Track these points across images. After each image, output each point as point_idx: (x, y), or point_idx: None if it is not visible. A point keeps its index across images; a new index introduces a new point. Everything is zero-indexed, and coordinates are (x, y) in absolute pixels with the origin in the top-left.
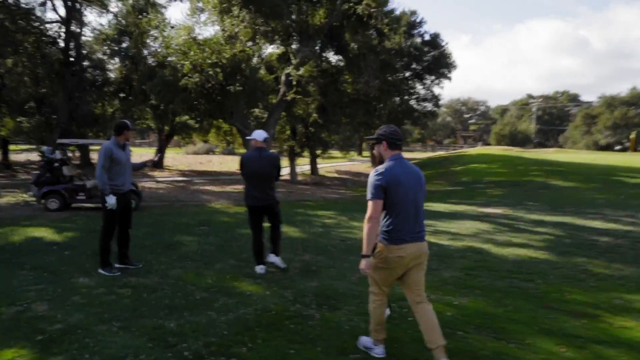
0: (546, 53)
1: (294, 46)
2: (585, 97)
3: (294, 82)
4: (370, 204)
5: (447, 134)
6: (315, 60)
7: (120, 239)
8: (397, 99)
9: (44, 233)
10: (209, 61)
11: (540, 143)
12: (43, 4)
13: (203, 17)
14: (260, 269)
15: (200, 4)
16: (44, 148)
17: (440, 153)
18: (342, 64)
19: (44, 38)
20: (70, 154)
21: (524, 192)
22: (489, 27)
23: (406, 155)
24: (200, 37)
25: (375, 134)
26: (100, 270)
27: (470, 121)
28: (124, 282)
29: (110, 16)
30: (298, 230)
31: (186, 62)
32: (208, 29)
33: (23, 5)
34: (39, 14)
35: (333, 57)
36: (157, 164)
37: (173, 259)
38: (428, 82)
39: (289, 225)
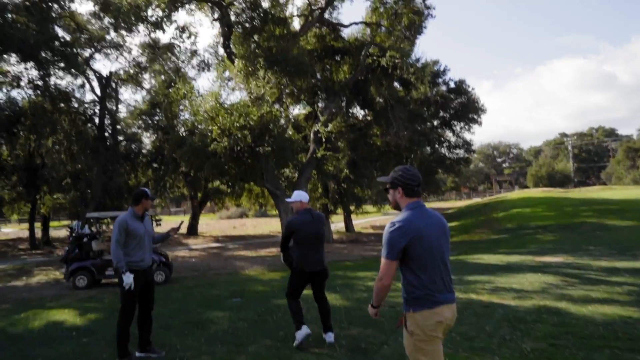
0: (573, 91)
1: (320, 104)
2: (622, 131)
3: (323, 139)
4: (383, 263)
5: (481, 179)
6: (343, 115)
7: (140, 322)
8: (428, 148)
9: (66, 316)
10: (237, 124)
11: (581, 182)
12: (82, 86)
13: (230, 83)
14: (301, 334)
15: (227, 73)
16: (74, 223)
17: (477, 200)
18: (369, 118)
19: (82, 117)
20: (104, 227)
21: (580, 236)
22: (509, 72)
23: (441, 205)
24: (227, 102)
25: (390, 177)
26: None
27: (503, 165)
28: None
29: (144, 92)
30: (340, 297)
31: (214, 127)
32: (235, 94)
33: (62, 89)
34: (77, 95)
35: (359, 112)
36: (191, 231)
37: (201, 342)
38: (457, 128)
39: (328, 291)
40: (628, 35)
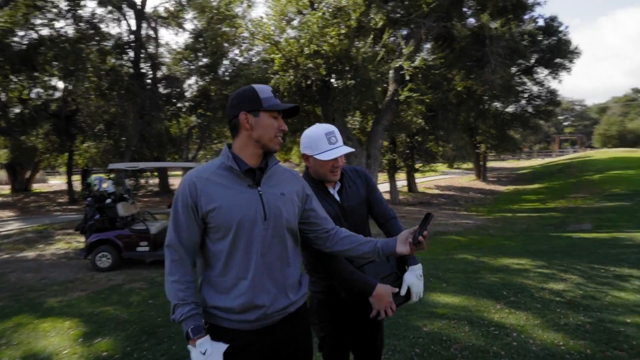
0: (638, 45)
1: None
2: None
3: (407, 78)
4: None
5: (540, 139)
6: (434, 47)
7: None
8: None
9: (61, 340)
10: (307, 51)
11: None
12: (117, 20)
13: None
14: None
15: None
16: (92, 178)
17: (547, 160)
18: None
19: (113, 51)
20: (143, 181)
21: None
22: (567, 23)
23: (506, 165)
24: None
25: None
26: None
27: (564, 123)
28: None
29: (186, 35)
30: (526, 316)
31: (277, 56)
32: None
33: (91, 18)
34: (112, 32)
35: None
36: None
37: None
38: (541, 76)
39: (508, 305)
40: None
